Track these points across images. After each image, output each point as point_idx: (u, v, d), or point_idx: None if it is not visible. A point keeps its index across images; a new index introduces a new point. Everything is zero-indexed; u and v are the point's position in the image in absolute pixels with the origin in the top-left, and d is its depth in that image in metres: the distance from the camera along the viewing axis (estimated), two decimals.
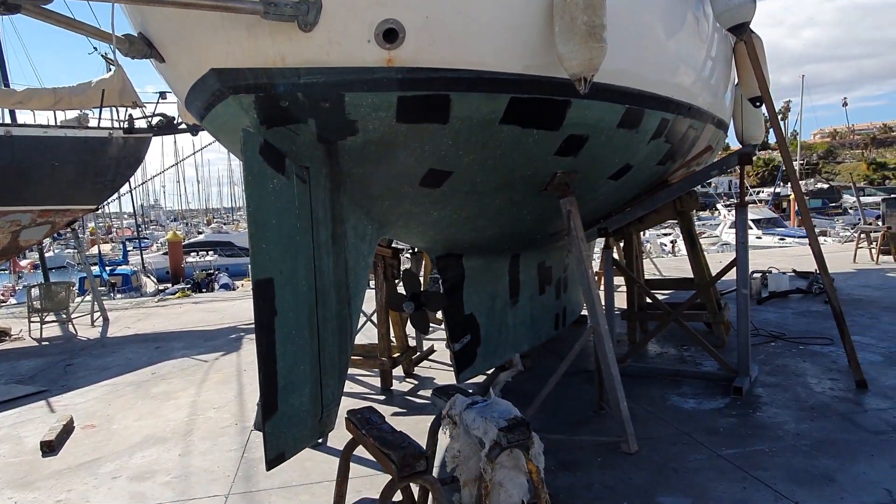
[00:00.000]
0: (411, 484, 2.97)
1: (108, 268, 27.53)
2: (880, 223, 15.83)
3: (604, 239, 6.65)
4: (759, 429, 4.96)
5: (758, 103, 6.74)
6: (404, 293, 5.78)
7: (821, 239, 26.35)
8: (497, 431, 2.98)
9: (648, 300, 8.92)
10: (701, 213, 53.90)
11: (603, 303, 6.75)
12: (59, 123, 11.27)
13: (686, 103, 5.55)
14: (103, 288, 23.09)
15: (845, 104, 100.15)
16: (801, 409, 5.35)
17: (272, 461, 3.73)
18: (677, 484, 4.15)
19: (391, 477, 2.75)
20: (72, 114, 11.71)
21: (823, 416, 5.16)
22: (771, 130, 8.64)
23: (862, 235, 15.26)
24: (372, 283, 7.22)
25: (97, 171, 10.87)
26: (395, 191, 4.54)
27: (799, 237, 31.11)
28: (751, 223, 33.46)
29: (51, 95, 10.86)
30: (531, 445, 3.01)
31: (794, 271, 13.21)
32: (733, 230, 35.78)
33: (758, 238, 31.88)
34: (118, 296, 22.31)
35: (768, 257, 17.01)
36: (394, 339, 7.19)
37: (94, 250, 31.77)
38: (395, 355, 6.85)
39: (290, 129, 3.88)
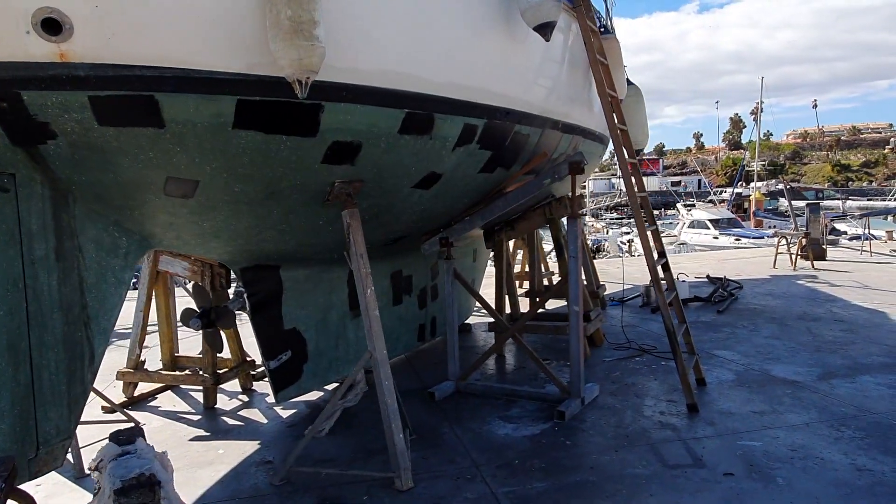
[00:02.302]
0: None
1: None
2: (805, 229, 15.69)
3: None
4: (554, 463, 4.60)
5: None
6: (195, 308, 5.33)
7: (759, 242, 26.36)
8: (113, 493, 2.55)
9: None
10: (668, 211, 54.15)
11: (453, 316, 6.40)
12: None
13: (503, 108, 5.16)
14: None
15: (815, 106, 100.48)
16: (615, 438, 5.01)
17: None
18: None
19: None
20: None
21: (632, 447, 4.82)
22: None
23: (781, 241, 15.10)
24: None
25: None
26: (139, 200, 4.09)
27: (754, 237, 31.18)
28: (708, 223, 33.56)
29: None
30: None
31: (708, 277, 12.99)
32: (692, 230, 35.79)
33: (714, 238, 31.89)
34: None
35: (695, 261, 16.84)
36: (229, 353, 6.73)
37: None
38: (224, 370, 6.39)
39: None
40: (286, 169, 4.12)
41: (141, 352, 6.57)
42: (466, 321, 9.39)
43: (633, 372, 6.80)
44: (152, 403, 6.48)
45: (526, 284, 10.71)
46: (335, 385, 6.49)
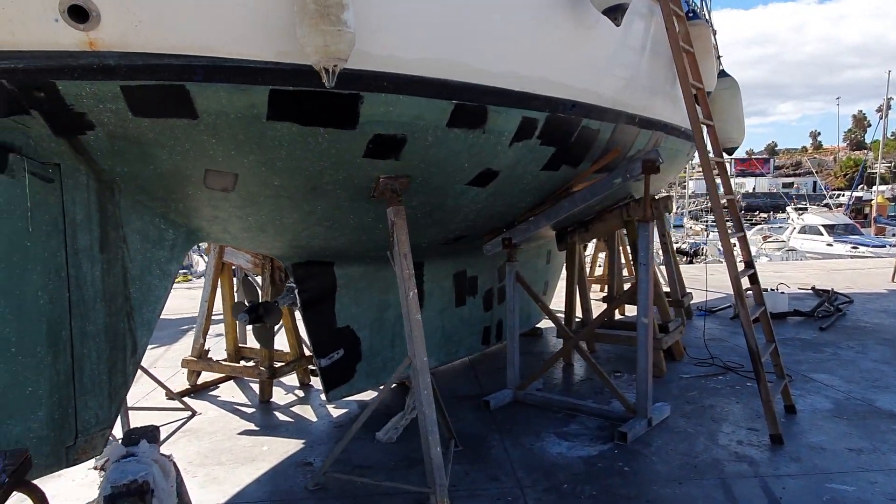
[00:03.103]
0: None
1: None
2: None
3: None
4: (607, 490, 4.17)
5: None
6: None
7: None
8: (103, 499, 2.44)
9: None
10: (778, 214, 50.51)
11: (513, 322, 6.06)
12: None
13: (568, 100, 4.75)
14: None
15: None
16: (681, 467, 4.49)
17: None
18: None
19: None
20: None
21: (700, 479, 4.30)
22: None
23: None
24: None
25: None
26: (181, 193, 4.05)
27: (874, 246, 28.45)
28: (821, 228, 30.93)
29: None
30: None
31: (814, 289, 11.81)
32: (803, 236, 33.07)
33: (828, 245, 29.38)
34: None
35: (802, 270, 15.44)
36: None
37: None
38: (280, 364, 6.37)
39: (14, 120, 3.44)
40: (326, 163, 3.94)
41: (205, 341, 6.68)
42: (538, 325, 8.98)
43: (713, 392, 6.17)
44: (214, 392, 6.56)
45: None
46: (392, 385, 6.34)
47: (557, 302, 9.06)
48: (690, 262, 27.22)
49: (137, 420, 5.37)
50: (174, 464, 2.90)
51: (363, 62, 3.47)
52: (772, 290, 10.31)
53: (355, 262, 5.61)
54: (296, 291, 5.27)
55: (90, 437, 3.93)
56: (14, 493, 2.72)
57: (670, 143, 6.98)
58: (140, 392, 6.35)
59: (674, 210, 39.21)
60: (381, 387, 5.75)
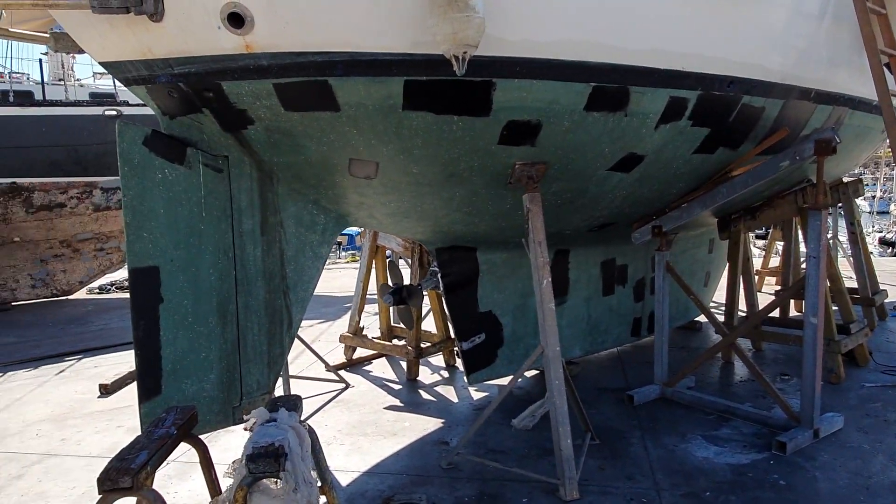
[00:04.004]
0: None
1: None
2: None
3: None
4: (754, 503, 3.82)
5: None
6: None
7: None
8: (245, 458, 2.73)
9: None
10: None
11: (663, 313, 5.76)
12: None
13: (724, 77, 4.36)
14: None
15: None
16: (849, 488, 3.98)
17: None
18: None
19: None
20: None
21: (869, 502, 3.78)
22: None
23: None
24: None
25: None
26: (329, 180, 4.34)
27: None
28: None
29: None
30: (281, 478, 2.71)
31: None
32: None
33: None
34: (343, 254, 23.90)
35: None
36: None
37: None
38: (426, 345, 6.62)
39: (191, 118, 3.91)
40: (461, 150, 3.99)
41: (360, 319, 7.13)
42: (698, 318, 8.41)
43: None
44: (367, 367, 7.00)
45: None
46: (534, 372, 6.33)
47: (721, 294, 8.41)
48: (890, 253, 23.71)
49: (298, 388, 5.90)
50: (311, 431, 3.14)
51: (496, 48, 3.46)
52: None
53: (498, 247, 5.64)
54: (439, 275, 5.43)
55: (252, 400, 4.39)
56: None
57: (858, 119, 6.11)
58: (304, 363, 6.95)
59: (878, 194, 34.41)
60: (535, 371, 5.77)
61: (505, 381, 6.09)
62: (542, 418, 5.06)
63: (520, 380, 6.19)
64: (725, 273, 7.57)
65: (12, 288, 11.05)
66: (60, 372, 7.11)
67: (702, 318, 8.43)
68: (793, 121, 5.13)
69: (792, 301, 8.51)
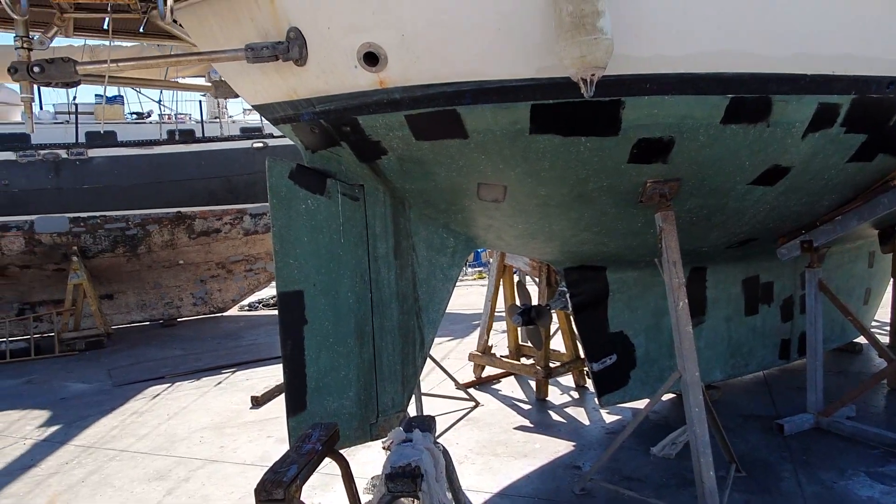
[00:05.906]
0: None
1: None
2: None
3: None
4: None
5: None
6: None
7: None
8: (384, 477, 2.86)
9: None
10: None
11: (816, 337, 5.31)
12: None
13: (883, 77, 3.98)
14: None
15: None
16: None
17: None
18: None
19: None
20: None
21: None
22: None
23: None
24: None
25: None
26: (459, 205, 4.46)
27: None
28: None
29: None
30: (417, 498, 2.80)
31: None
32: None
33: None
34: (469, 271, 24.02)
35: None
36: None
37: None
38: (556, 365, 6.54)
39: (330, 151, 4.20)
40: (589, 171, 3.95)
41: (488, 337, 7.20)
42: (858, 339, 7.63)
43: None
44: (496, 386, 7.04)
45: None
46: (671, 396, 6.05)
47: (884, 313, 7.59)
48: None
49: (430, 405, 6.06)
50: (445, 452, 3.23)
51: (625, 66, 3.40)
52: None
53: (629, 267, 5.49)
54: (567, 295, 5.38)
55: (388, 417, 4.58)
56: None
57: None
58: (434, 380, 7.12)
59: None
60: (650, 399, 5.55)
61: (638, 403, 5.90)
62: (684, 446, 4.84)
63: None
64: (889, 289, 6.84)
65: (178, 305, 12.39)
66: (218, 384, 7.82)
67: (862, 340, 7.64)
68: None
69: None
